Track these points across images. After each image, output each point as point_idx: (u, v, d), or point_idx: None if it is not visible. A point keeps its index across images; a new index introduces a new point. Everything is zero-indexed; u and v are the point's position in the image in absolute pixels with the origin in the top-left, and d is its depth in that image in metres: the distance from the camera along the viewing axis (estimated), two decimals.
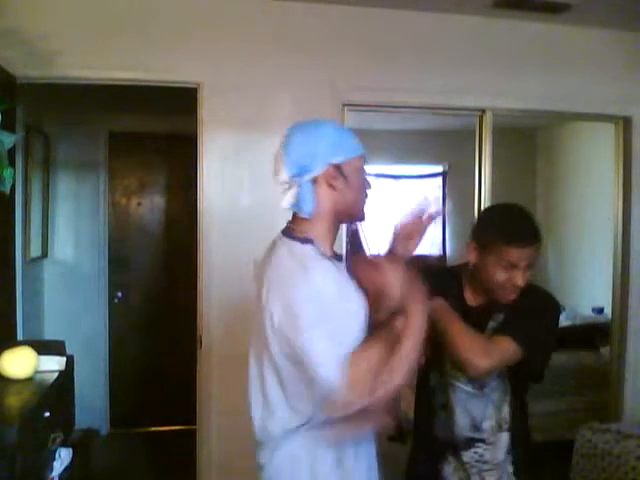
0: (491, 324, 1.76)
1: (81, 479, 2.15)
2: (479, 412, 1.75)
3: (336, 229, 1.58)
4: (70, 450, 2.08)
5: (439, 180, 6.46)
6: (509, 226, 1.72)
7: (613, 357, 3.63)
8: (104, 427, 4.48)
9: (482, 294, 1.80)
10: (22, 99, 3.02)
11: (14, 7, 2.77)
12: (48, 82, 2.99)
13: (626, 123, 3.52)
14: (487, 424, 1.75)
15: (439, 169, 6.43)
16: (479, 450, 1.75)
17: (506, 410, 1.76)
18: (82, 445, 2.29)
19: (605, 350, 4.17)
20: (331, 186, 1.52)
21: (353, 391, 1.32)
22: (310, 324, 1.34)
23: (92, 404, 4.15)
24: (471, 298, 1.83)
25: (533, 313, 1.73)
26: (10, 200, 2.81)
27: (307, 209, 1.50)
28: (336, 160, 1.52)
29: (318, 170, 1.51)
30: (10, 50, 2.68)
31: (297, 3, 3.11)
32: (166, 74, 3.02)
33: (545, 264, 6.13)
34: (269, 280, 1.45)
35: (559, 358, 4.15)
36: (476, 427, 1.75)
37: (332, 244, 1.56)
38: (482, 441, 1.75)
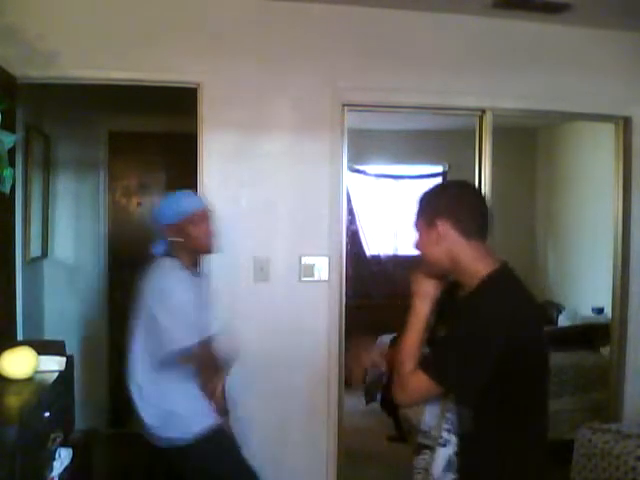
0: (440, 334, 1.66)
1: (81, 479, 2.15)
2: (430, 416, 1.65)
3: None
4: (70, 450, 2.08)
5: (439, 180, 6.44)
6: None
7: (613, 357, 3.63)
8: (104, 427, 4.47)
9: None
10: (22, 99, 3.02)
11: (14, 7, 2.77)
12: (48, 82, 2.99)
13: (626, 123, 3.52)
14: (434, 432, 1.64)
15: (439, 169, 6.43)
16: (425, 457, 1.67)
17: (446, 425, 1.61)
18: (82, 445, 2.29)
19: (605, 350, 4.17)
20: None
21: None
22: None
23: (92, 404, 4.15)
24: (460, 292, 1.70)
25: (455, 340, 1.55)
26: (10, 200, 2.81)
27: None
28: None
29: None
30: (10, 50, 2.68)
31: (297, 3, 3.11)
32: (166, 74, 3.02)
33: (545, 264, 6.14)
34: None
35: (559, 358, 4.15)
36: (424, 433, 1.67)
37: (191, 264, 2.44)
38: (428, 448, 1.66)
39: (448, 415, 1.60)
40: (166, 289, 2.31)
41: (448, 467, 1.60)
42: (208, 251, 2.40)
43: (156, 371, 2.41)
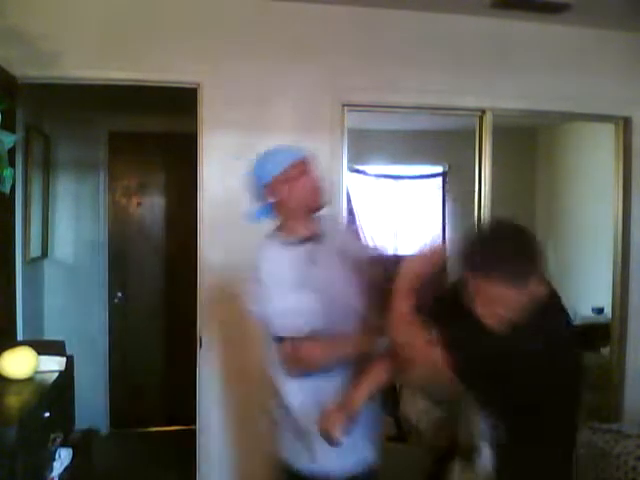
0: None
1: (81, 479, 2.15)
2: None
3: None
4: (70, 450, 2.08)
5: (439, 180, 6.44)
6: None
7: (613, 357, 3.63)
8: (104, 427, 4.47)
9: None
10: (22, 99, 3.02)
11: (14, 7, 2.77)
12: (48, 82, 2.99)
13: (626, 123, 3.52)
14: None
15: (439, 169, 6.41)
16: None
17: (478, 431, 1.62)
18: (82, 445, 2.28)
19: (605, 350, 4.17)
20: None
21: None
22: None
23: (92, 404, 4.15)
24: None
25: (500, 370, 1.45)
26: (10, 200, 2.81)
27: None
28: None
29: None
30: (10, 50, 2.69)
31: (297, 3, 3.11)
32: (166, 74, 3.02)
33: (545, 264, 6.13)
34: None
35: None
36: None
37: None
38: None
39: (482, 426, 1.60)
40: (259, 271, 1.95)
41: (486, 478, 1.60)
42: (316, 207, 1.97)
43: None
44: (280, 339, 1.84)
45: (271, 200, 1.97)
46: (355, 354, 1.82)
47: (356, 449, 1.88)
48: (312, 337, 1.79)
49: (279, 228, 2.03)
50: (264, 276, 1.91)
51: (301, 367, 1.82)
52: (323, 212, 2.00)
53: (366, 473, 1.91)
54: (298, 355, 1.80)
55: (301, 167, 1.94)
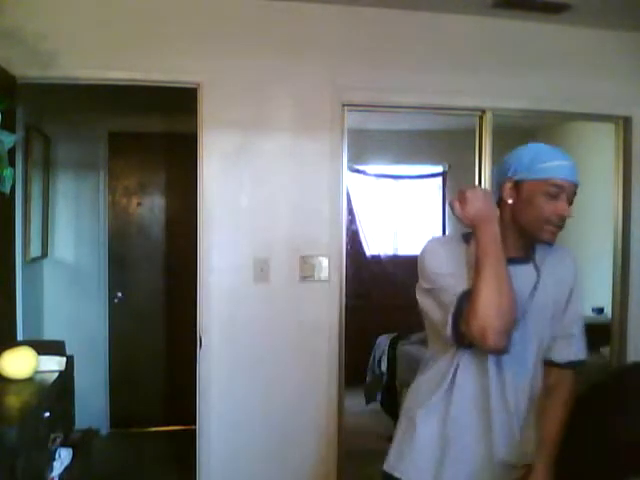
0: None
1: (81, 479, 2.15)
2: None
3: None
4: (70, 450, 2.08)
5: (439, 180, 6.45)
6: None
7: (613, 357, 3.63)
8: (104, 427, 4.47)
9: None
10: (22, 99, 3.02)
11: (14, 7, 2.77)
12: (48, 82, 2.99)
13: (626, 123, 3.52)
14: None
15: (439, 169, 6.43)
16: None
17: None
18: (82, 445, 2.28)
19: (605, 350, 4.17)
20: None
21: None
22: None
23: (92, 404, 4.15)
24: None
25: None
26: (10, 200, 2.81)
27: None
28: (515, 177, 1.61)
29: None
30: (10, 50, 2.68)
31: (297, 3, 3.11)
32: (166, 74, 3.02)
33: None
34: None
35: None
36: None
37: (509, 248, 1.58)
38: None
39: None
40: (419, 263, 1.63)
41: None
42: (544, 238, 1.58)
43: None
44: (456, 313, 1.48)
45: (508, 197, 1.60)
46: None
47: None
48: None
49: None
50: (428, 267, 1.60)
51: (489, 327, 1.41)
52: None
53: None
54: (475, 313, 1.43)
55: (570, 185, 1.59)
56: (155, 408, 4.64)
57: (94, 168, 4.47)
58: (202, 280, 3.07)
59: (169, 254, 4.68)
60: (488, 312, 1.41)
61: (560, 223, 1.56)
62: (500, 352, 1.48)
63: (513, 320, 1.45)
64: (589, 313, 5.04)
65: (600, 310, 4.89)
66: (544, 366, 1.65)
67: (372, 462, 4.01)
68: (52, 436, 1.90)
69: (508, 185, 1.59)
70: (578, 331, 1.72)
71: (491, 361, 1.54)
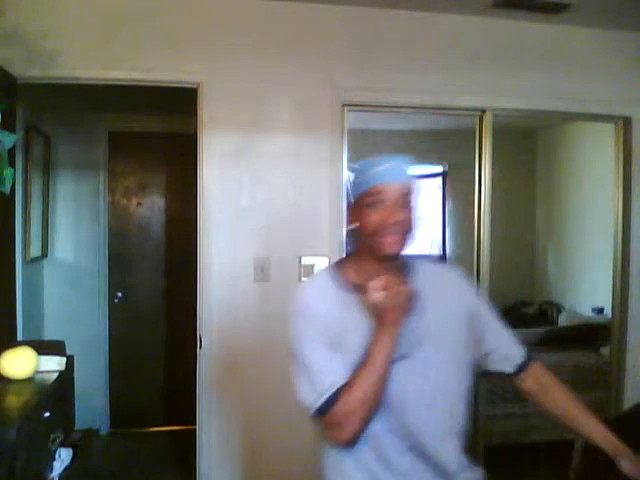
0: None
1: (81, 479, 2.15)
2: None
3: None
4: (70, 450, 2.08)
5: (439, 180, 6.45)
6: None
7: (613, 357, 3.63)
8: (104, 427, 4.48)
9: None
10: (22, 99, 3.02)
11: (14, 7, 2.77)
12: (48, 82, 2.99)
13: (626, 123, 3.52)
14: None
15: (439, 169, 6.42)
16: None
17: None
18: (82, 445, 2.29)
19: (605, 350, 4.17)
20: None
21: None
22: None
23: (92, 404, 4.15)
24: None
25: None
26: (10, 200, 2.81)
27: None
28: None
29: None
30: (10, 50, 2.69)
31: (297, 3, 3.11)
32: (166, 74, 3.02)
33: (545, 264, 6.14)
34: None
35: (559, 358, 4.15)
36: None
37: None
38: None
39: None
40: (290, 322, 1.46)
41: None
42: (382, 253, 1.42)
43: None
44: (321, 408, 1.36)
45: (350, 225, 1.48)
46: (385, 361, 1.36)
47: None
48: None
49: (348, 264, 1.54)
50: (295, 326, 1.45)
51: (344, 426, 1.35)
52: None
53: None
54: (339, 412, 1.34)
55: (396, 194, 1.44)
56: (155, 408, 4.64)
57: (94, 168, 4.47)
58: (202, 280, 3.07)
59: (169, 254, 4.68)
60: (358, 411, 1.33)
61: (396, 229, 1.40)
62: (348, 446, 1.38)
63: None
64: (589, 313, 5.05)
65: (600, 310, 4.89)
66: (511, 378, 1.59)
67: None
68: (52, 436, 1.90)
69: (348, 213, 1.49)
70: (507, 334, 1.60)
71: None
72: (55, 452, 1.97)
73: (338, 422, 1.35)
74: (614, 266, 3.61)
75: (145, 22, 2.99)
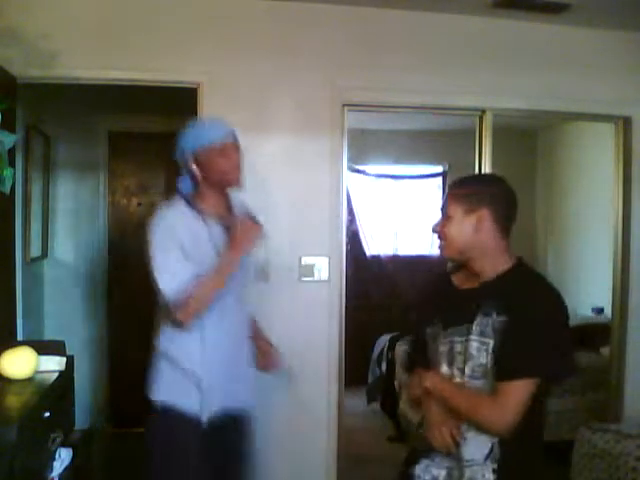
0: (479, 320, 1.61)
1: (81, 479, 2.15)
2: (475, 448, 1.68)
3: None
4: (70, 450, 2.08)
5: (439, 180, 6.45)
6: None
7: (613, 357, 3.63)
8: (104, 427, 4.47)
9: (466, 277, 1.75)
10: (22, 99, 3.02)
11: (14, 7, 2.77)
12: (48, 82, 2.99)
13: (626, 123, 3.52)
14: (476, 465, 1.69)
15: (439, 169, 6.42)
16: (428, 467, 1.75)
17: None
18: (82, 445, 2.29)
19: (605, 350, 4.17)
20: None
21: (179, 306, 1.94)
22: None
23: (92, 404, 4.15)
24: (458, 282, 1.78)
25: (533, 331, 1.55)
26: (10, 200, 2.81)
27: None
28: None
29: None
30: (10, 50, 2.68)
31: (297, 3, 3.11)
32: (166, 74, 3.02)
33: (545, 264, 6.13)
34: None
35: None
36: (466, 461, 1.69)
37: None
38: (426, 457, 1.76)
39: None
40: (156, 228, 2.00)
41: (490, 456, 1.60)
42: (235, 184, 2.11)
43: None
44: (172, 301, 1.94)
45: (195, 169, 2.05)
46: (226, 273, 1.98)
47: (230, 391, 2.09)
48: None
49: (192, 197, 2.09)
50: (156, 234, 1.99)
51: (191, 312, 1.95)
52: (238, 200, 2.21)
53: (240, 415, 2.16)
54: (186, 306, 1.93)
55: (233, 143, 2.10)
56: None
57: (94, 168, 4.47)
58: None
59: None
60: (201, 306, 1.96)
61: (239, 169, 2.10)
62: (186, 325, 1.97)
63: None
64: (589, 313, 5.04)
65: (600, 310, 4.89)
66: None
67: (372, 462, 4.03)
68: (52, 436, 1.90)
69: (201, 155, 2.04)
70: None
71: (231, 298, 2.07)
72: (55, 452, 1.96)
73: (186, 307, 1.93)
74: (614, 266, 3.60)
75: (145, 22, 2.99)
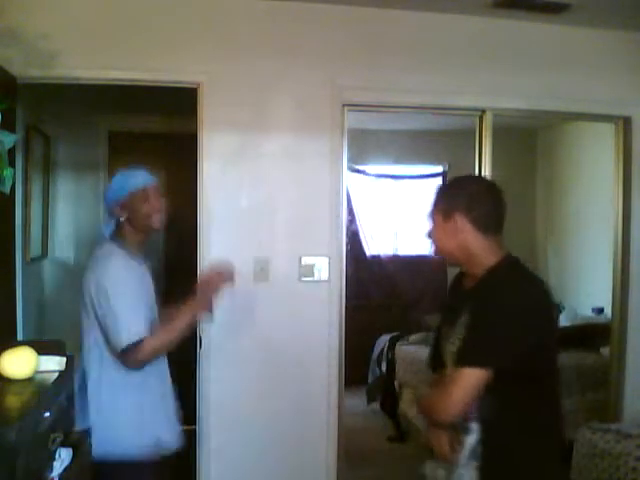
0: (461, 320, 1.67)
1: (81, 479, 2.15)
2: (471, 452, 1.70)
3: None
4: (70, 450, 2.07)
5: (439, 180, 6.45)
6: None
7: (613, 357, 3.63)
8: None
9: (471, 277, 1.77)
10: (22, 99, 3.02)
11: (14, 7, 2.77)
12: (48, 82, 2.99)
13: (626, 123, 3.52)
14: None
15: (439, 169, 6.43)
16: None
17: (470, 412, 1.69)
18: (82, 445, 2.28)
19: (605, 350, 4.17)
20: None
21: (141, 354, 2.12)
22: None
23: None
24: (466, 282, 1.81)
25: (488, 320, 1.58)
26: (10, 200, 2.81)
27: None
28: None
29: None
30: (10, 50, 2.68)
31: (297, 3, 3.11)
32: (166, 74, 3.02)
33: (545, 264, 6.14)
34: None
35: (559, 358, 4.14)
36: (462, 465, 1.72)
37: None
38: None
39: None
40: (112, 276, 2.21)
41: (472, 455, 1.62)
42: (155, 227, 2.33)
43: (115, 371, 2.19)
44: (130, 345, 2.09)
45: (121, 215, 2.25)
46: (184, 329, 2.23)
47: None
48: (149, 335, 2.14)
49: (120, 243, 2.28)
50: (114, 282, 2.17)
51: (147, 361, 2.16)
52: None
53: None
54: (144, 352, 2.11)
55: (155, 189, 2.33)
56: None
57: (94, 168, 4.47)
58: None
59: (169, 254, 4.67)
60: (154, 354, 2.19)
61: (161, 212, 2.34)
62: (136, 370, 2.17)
63: None
64: (589, 313, 5.05)
65: (600, 310, 4.90)
66: None
67: (372, 462, 4.03)
68: (52, 436, 1.90)
69: (128, 201, 2.25)
70: None
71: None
72: (55, 452, 1.96)
73: (139, 357, 2.10)
74: (614, 266, 3.61)
75: (145, 22, 2.99)
